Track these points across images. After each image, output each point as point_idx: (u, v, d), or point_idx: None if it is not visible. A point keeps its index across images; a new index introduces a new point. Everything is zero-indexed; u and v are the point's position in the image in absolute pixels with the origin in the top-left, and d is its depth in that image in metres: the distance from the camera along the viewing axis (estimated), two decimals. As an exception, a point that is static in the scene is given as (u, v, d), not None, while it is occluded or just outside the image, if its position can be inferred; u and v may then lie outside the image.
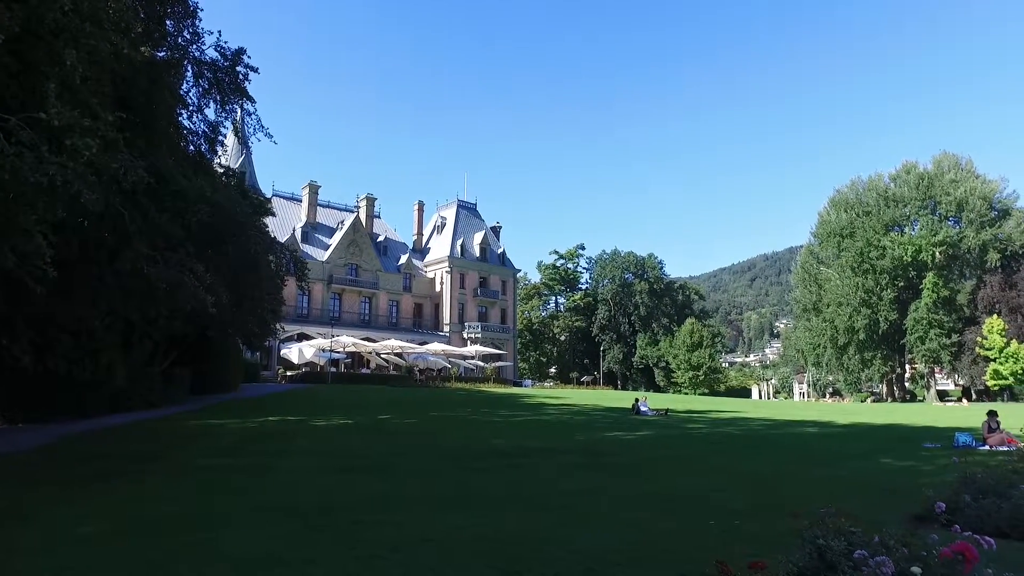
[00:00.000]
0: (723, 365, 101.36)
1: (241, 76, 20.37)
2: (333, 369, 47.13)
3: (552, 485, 8.93)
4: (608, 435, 16.92)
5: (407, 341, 54.78)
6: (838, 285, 70.68)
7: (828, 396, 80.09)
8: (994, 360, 58.18)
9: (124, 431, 15.25)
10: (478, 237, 72.42)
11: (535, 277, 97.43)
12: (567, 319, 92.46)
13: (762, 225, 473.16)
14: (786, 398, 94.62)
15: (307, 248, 59.58)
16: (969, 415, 27.05)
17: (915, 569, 3.24)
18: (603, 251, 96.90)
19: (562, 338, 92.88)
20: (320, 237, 63.40)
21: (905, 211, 69.59)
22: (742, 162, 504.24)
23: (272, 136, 21.99)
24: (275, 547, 5.35)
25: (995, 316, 60.14)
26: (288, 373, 46.03)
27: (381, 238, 68.60)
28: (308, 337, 52.56)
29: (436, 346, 55.07)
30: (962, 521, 5.89)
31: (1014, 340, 57.86)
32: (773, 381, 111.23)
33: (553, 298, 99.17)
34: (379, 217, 71.82)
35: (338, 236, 62.95)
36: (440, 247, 71.20)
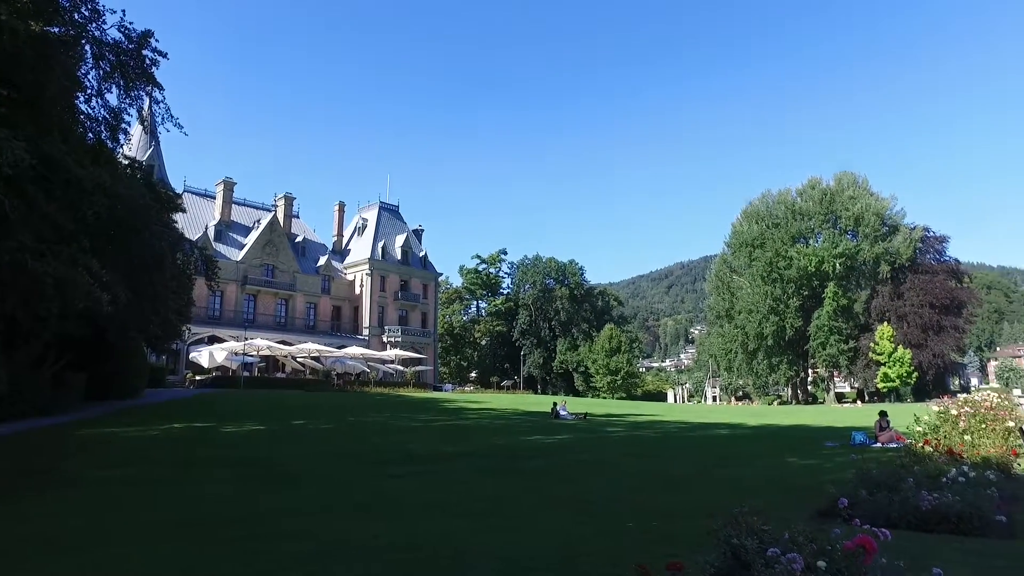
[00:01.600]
0: (640, 370, 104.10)
1: (148, 61, 19.02)
2: (246, 373, 45.22)
3: (470, 490, 8.77)
4: (527, 439, 16.90)
5: (325, 344, 53.25)
6: (749, 293, 73.94)
7: (738, 399, 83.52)
8: (884, 364, 62.38)
9: (2, 442, 13.98)
10: (400, 239, 71.42)
11: (457, 281, 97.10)
12: (488, 324, 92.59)
13: (679, 234, 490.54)
14: (699, 402, 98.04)
15: (220, 247, 57.02)
16: (863, 415, 28.71)
17: (821, 563, 3.33)
18: (525, 256, 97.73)
19: (483, 343, 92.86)
20: (235, 236, 60.75)
21: (810, 224, 73.81)
22: (661, 172, 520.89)
23: (183, 127, 20.76)
24: (169, 565, 4.93)
25: (885, 324, 64.50)
26: (197, 377, 43.76)
27: (299, 238, 66.49)
28: (220, 340, 50.23)
29: (355, 350, 53.82)
30: (860, 514, 6.13)
31: (900, 346, 62.21)
32: (688, 385, 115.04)
33: (475, 302, 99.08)
34: (298, 217, 69.66)
35: (254, 235, 60.53)
36: (361, 249, 69.75)
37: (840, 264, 69.21)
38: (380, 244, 69.10)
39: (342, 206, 73.08)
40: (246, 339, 43.75)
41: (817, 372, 78.22)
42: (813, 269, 69.92)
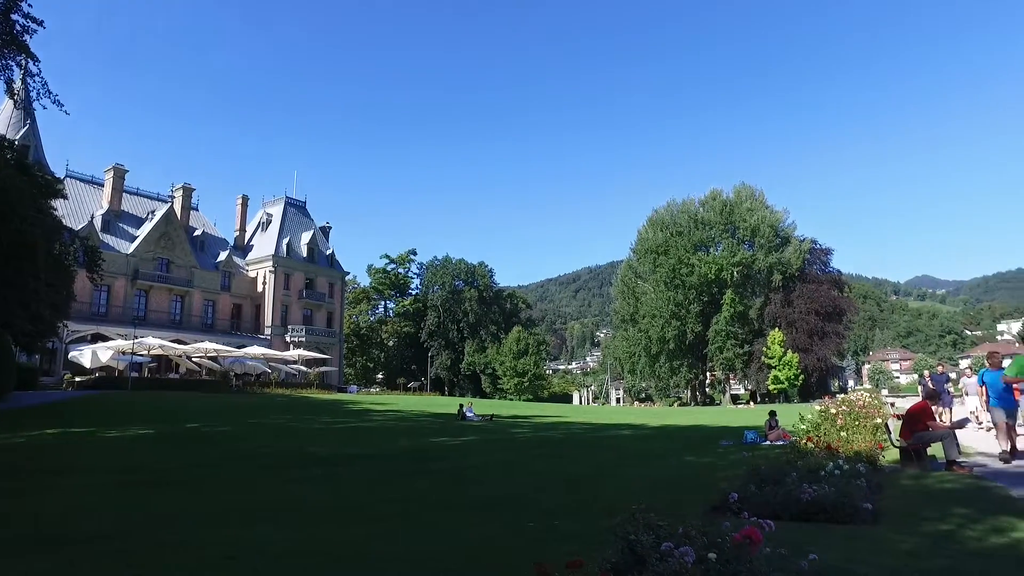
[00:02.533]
0: (547, 372, 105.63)
1: (19, 27, 17.35)
2: (135, 374, 42.35)
3: (374, 493, 8.58)
4: (433, 441, 16.77)
5: (224, 344, 50.73)
6: (653, 298, 76.60)
7: (641, 401, 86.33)
8: (775, 368, 66.27)
9: None
10: (306, 236, 69.19)
11: (365, 281, 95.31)
12: (396, 324, 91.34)
13: (587, 240, 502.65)
14: (604, 403, 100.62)
15: (109, 238, 53.26)
16: (755, 415, 30.33)
17: (712, 555, 3.47)
18: (435, 257, 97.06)
19: (390, 344, 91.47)
20: (125, 227, 56.74)
21: (711, 233, 77.43)
22: (571, 178, 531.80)
23: (62, 104, 19.08)
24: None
25: (777, 329, 68.54)
26: (77, 379, 40.48)
27: (198, 232, 63.04)
28: (105, 338, 46.87)
29: (256, 349, 51.58)
30: (749, 508, 6.45)
31: (790, 350, 66.31)
32: (593, 387, 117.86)
33: (383, 303, 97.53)
34: (197, 210, 66.05)
35: (148, 227, 56.81)
36: (264, 245, 67.02)
37: (737, 272, 73.01)
38: (285, 241, 66.70)
39: (245, 200, 69.87)
40: (136, 337, 40.97)
41: (715, 375, 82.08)
42: (713, 276, 73.37)
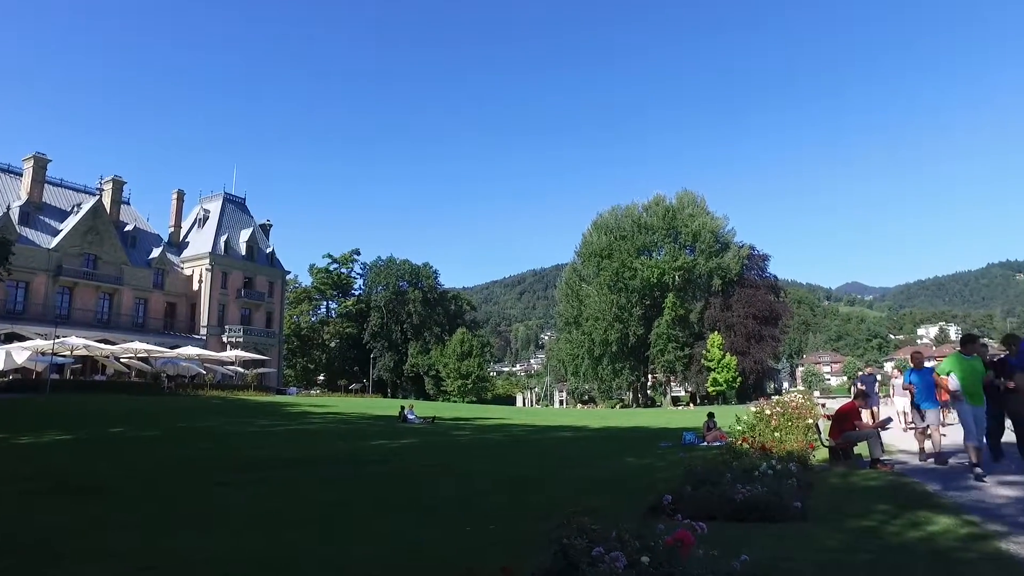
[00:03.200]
0: (491, 374, 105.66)
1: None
2: (55, 375, 40.20)
3: (308, 497, 8.31)
4: (372, 444, 16.46)
5: (156, 344, 48.70)
6: (596, 301, 77.48)
7: (583, 403, 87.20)
8: (714, 370, 67.98)
9: None
10: (245, 234, 67.21)
11: (307, 280, 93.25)
12: (338, 325, 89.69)
13: (533, 243, 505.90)
14: (547, 405, 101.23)
15: (28, 231, 50.49)
16: (695, 417, 30.98)
17: (645, 558, 3.44)
18: (379, 257, 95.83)
19: (332, 345, 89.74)
20: (47, 220, 53.77)
21: (654, 238, 78.84)
22: (518, 180, 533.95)
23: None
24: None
25: (716, 333, 70.32)
26: (-11, 381, 38.06)
27: (129, 227, 60.33)
28: (22, 338, 44.29)
29: (190, 350, 49.70)
30: (686, 509, 6.50)
31: (728, 353, 68.15)
32: (536, 389, 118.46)
33: (324, 303, 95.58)
34: (128, 204, 63.28)
35: (73, 221, 53.97)
36: (201, 242, 64.76)
37: (679, 277, 74.62)
38: (223, 238, 64.62)
39: (181, 195, 67.10)
40: (57, 337, 38.87)
41: (656, 377, 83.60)
42: (655, 280, 74.75)
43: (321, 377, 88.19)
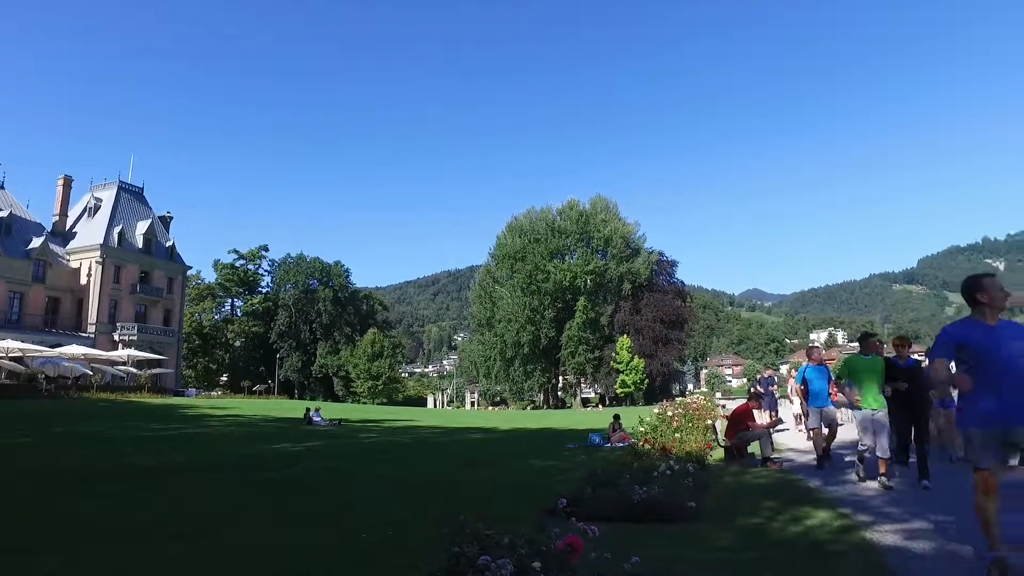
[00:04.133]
0: (403, 375, 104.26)
1: None
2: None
3: (193, 507, 7.80)
4: (273, 447, 15.79)
5: (34, 342, 45.01)
6: (509, 303, 77.95)
7: (495, 405, 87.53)
8: (622, 372, 69.81)
9: None
10: (142, 226, 63.26)
11: (211, 276, 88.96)
12: (244, 324, 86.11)
13: (448, 244, 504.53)
14: (459, 407, 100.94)
15: None
16: (602, 418, 31.65)
17: (536, 564, 3.40)
18: (288, 255, 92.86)
19: (236, 344, 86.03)
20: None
21: (567, 241, 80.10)
22: (434, 182, 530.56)
23: None
24: None
25: (625, 336, 72.24)
26: None
27: (4, 213, 55.33)
28: None
29: (75, 349, 46.21)
30: (585, 511, 6.55)
31: (636, 356, 70.17)
32: (448, 391, 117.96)
33: (229, 301, 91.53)
34: (2, 188, 58.22)
35: (-68, 204, 49.14)
36: (91, 233, 60.36)
37: (591, 280, 76.16)
38: (117, 229, 60.54)
39: (68, 181, 62.14)
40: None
41: (567, 379, 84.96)
42: (567, 283, 75.99)
43: (224, 378, 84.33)
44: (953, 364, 4.52)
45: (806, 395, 11.13)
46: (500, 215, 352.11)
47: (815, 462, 10.74)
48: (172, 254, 66.39)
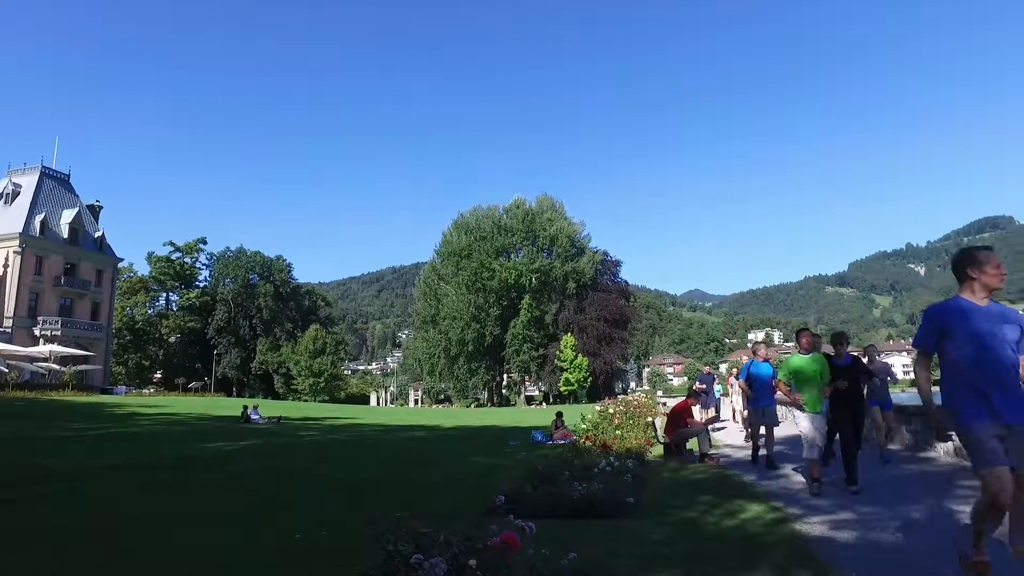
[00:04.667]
0: (345, 372, 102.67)
1: None
2: None
3: (110, 511, 7.43)
4: (206, 447, 15.27)
5: (-55, 337, 42.34)
6: (454, 301, 77.57)
7: (439, 402, 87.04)
8: (566, 370, 70.41)
9: None
10: (68, 215, 60.18)
11: (144, 269, 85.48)
12: (179, 319, 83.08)
13: (393, 240, 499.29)
14: (402, 405, 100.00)
15: None
16: (546, 415, 31.84)
17: (471, 562, 3.36)
18: (227, 248, 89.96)
19: (171, 340, 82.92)
20: None
21: (513, 240, 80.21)
22: (380, 179, 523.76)
23: None
24: None
25: (569, 334, 72.83)
26: None
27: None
28: None
29: (-10, 344, 43.73)
30: (525, 509, 6.54)
31: (580, 354, 70.87)
32: (392, 388, 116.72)
33: (164, 295, 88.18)
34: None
35: None
36: (8, 220, 56.83)
37: (536, 279, 76.50)
38: (39, 217, 57.42)
39: (-19, 165, 58.70)
40: None
41: (511, 376, 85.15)
42: (512, 282, 76.14)
43: (158, 375, 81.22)
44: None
45: (749, 393, 10.78)
46: (447, 212, 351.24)
47: (751, 458, 10.80)
48: (102, 245, 63.46)
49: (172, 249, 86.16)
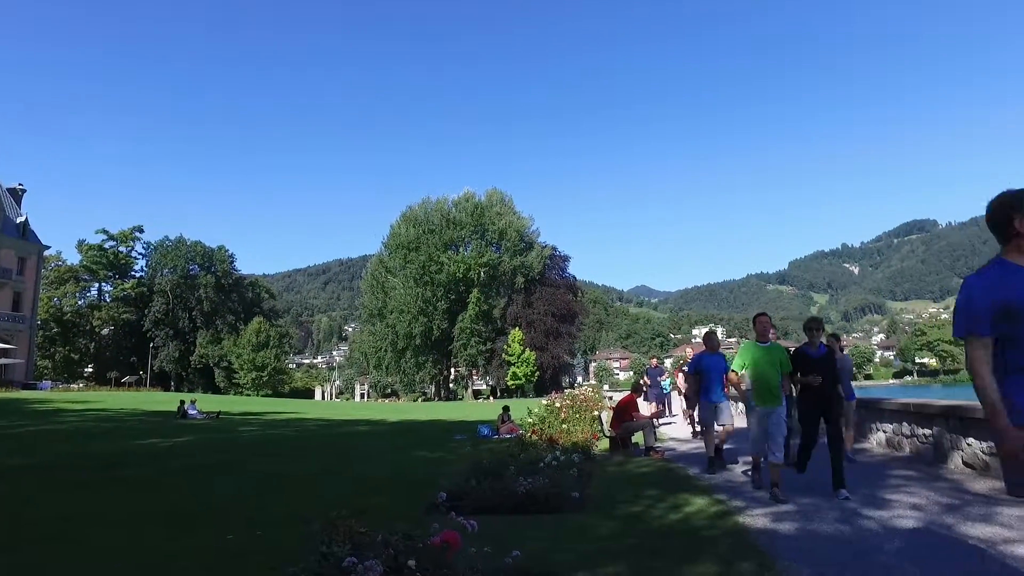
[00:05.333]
0: (290, 366, 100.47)
1: None
2: None
3: (31, 512, 6.96)
4: (138, 443, 14.59)
5: None
6: (402, 294, 76.82)
7: (386, 396, 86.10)
8: (514, 364, 70.58)
9: None
10: (-13, 199, 56.97)
11: (74, 258, 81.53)
12: (112, 310, 79.57)
13: (340, 232, 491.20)
14: (348, 399, 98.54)
15: None
16: (493, 409, 31.75)
17: (411, 562, 3.22)
18: (166, 237, 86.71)
19: (104, 332, 79.44)
20: None
21: (461, 233, 79.83)
22: (329, 169, 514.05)
23: None
24: None
25: (517, 328, 73.08)
26: None
27: None
28: None
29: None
30: (469, 504, 6.40)
31: (528, 348, 71.16)
32: (338, 382, 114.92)
33: (97, 285, 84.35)
34: None
35: None
36: (-79, 205, 53.62)
37: (484, 273, 76.38)
38: (-46, 201, 54.11)
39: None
40: None
41: (459, 370, 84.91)
42: (461, 275, 75.84)
43: (88, 369, 77.72)
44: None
45: (699, 387, 9.60)
46: (395, 205, 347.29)
47: (701, 452, 9.93)
48: (24, 231, 60.10)
49: (105, 237, 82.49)
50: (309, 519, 4.16)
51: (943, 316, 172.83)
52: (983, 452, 7.62)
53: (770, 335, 7.54)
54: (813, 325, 7.44)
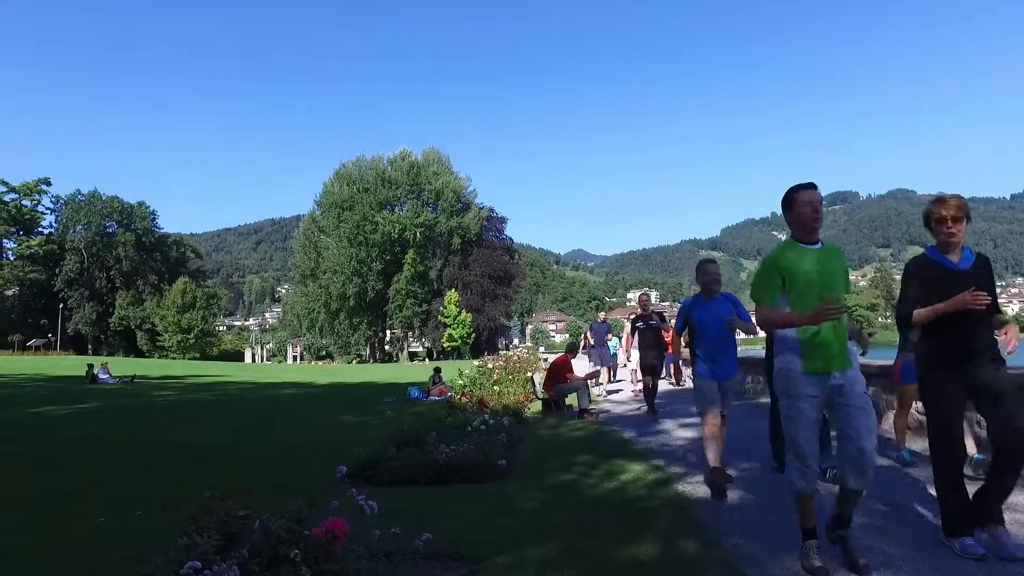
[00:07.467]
0: (220, 328, 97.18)
1: None
2: None
3: None
4: (32, 411, 13.39)
5: None
6: (335, 254, 74.73)
7: (319, 359, 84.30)
8: (450, 326, 70.03)
9: None
10: None
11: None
12: (17, 270, 74.39)
13: (273, 190, 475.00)
14: (280, 361, 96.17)
15: None
16: (426, 371, 31.13)
17: (294, 553, 2.73)
18: (78, 191, 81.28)
19: (8, 293, 74.35)
20: None
21: (397, 193, 77.86)
22: (263, 129, 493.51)
23: None
24: None
25: (454, 290, 72.37)
26: None
27: None
28: None
29: None
30: (384, 474, 5.82)
31: (464, 310, 70.66)
32: (270, 345, 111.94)
33: (-2, 242, 78.66)
34: None
35: None
36: None
37: (420, 233, 74.98)
38: None
39: None
40: None
41: (394, 332, 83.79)
42: (396, 236, 74.26)
43: (-9, 332, 72.85)
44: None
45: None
46: (329, 162, 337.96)
47: (637, 414, 9.95)
48: (-83, 183, 55.03)
49: (7, 189, 76.46)
50: (176, 501, 3.49)
51: (861, 283, 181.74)
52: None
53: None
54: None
